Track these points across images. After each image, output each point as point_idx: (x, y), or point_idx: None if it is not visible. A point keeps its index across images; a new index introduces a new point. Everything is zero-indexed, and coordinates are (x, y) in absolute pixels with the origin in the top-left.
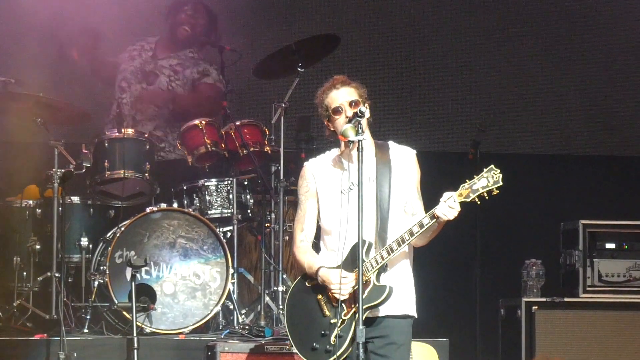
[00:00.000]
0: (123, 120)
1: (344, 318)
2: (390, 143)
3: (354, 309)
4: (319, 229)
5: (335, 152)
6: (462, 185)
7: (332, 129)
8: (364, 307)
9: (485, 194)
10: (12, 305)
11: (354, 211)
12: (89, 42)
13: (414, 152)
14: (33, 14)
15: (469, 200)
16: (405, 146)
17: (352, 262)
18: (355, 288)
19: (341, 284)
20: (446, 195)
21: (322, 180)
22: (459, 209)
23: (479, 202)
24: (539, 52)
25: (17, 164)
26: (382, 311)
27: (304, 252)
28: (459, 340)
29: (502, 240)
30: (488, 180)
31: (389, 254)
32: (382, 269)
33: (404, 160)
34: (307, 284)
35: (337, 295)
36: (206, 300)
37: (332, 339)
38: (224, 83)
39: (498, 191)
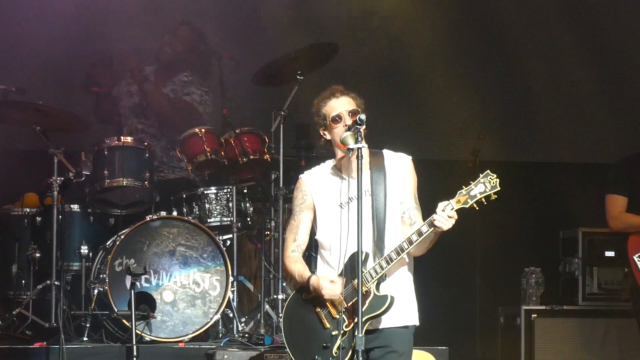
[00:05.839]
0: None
1: (345, 330)
2: (385, 151)
3: (355, 320)
4: (313, 242)
5: (330, 163)
6: (459, 192)
7: (327, 138)
8: (366, 317)
9: (484, 199)
10: (12, 314)
11: (352, 223)
12: (107, 71)
13: (410, 158)
14: (34, 22)
15: (467, 206)
16: (400, 153)
17: (350, 272)
18: (355, 299)
19: (329, 289)
20: (442, 204)
21: (320, 194)
22: (456, 217)
23: (477, 208)
24: (538, 60)
25: (16, 171)
26: (383, 323)
27: (294, 262)
28: (458, 348)
29: (502, 248)
30: (485, 185)
31: (388, 264)
32: (382, 278)
33: (399, 168)
34: (303, 297)
35: (327, 297)
36: (206, 309)
37: (335, 350)
38: (210, 109)
39: (496, 196)
